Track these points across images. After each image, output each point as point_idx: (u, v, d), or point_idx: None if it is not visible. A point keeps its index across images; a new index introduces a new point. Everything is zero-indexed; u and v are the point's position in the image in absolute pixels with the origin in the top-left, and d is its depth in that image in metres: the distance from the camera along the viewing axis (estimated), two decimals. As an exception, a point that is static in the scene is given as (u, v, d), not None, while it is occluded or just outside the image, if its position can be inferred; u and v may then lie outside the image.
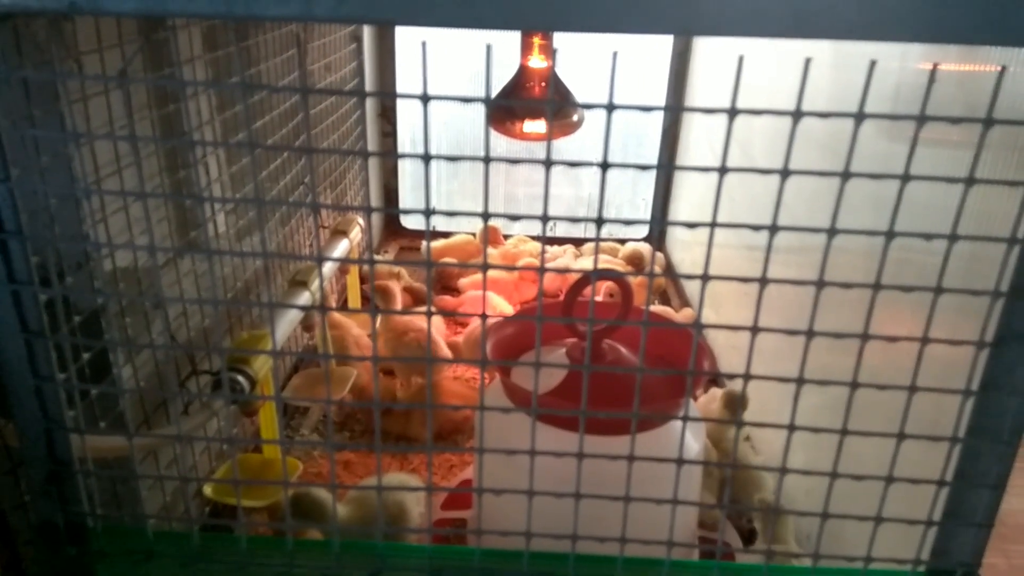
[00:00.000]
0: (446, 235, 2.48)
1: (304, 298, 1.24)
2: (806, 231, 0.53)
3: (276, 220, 1.43)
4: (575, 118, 1.72)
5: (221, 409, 0.91)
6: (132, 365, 0.88)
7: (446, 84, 2.48)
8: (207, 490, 1.07)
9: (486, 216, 0.57)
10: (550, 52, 1.66)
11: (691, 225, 0.55)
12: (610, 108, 0.53)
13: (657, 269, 2.37)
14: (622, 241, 2.53)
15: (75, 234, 0.74)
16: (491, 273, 2.27)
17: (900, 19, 0.47)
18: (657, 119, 2.47)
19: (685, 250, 2.37)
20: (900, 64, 1.00)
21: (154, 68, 0.94)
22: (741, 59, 0.50)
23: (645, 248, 2.42)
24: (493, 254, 2.34)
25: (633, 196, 2.63)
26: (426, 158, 0.55)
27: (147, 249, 0.58)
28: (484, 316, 0.59)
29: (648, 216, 2.63)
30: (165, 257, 0.95)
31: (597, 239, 0.57)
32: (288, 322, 1.18)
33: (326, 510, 0.92)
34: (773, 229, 0.54)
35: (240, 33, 1.17)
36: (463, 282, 2.21)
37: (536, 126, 1.75)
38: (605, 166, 0.55)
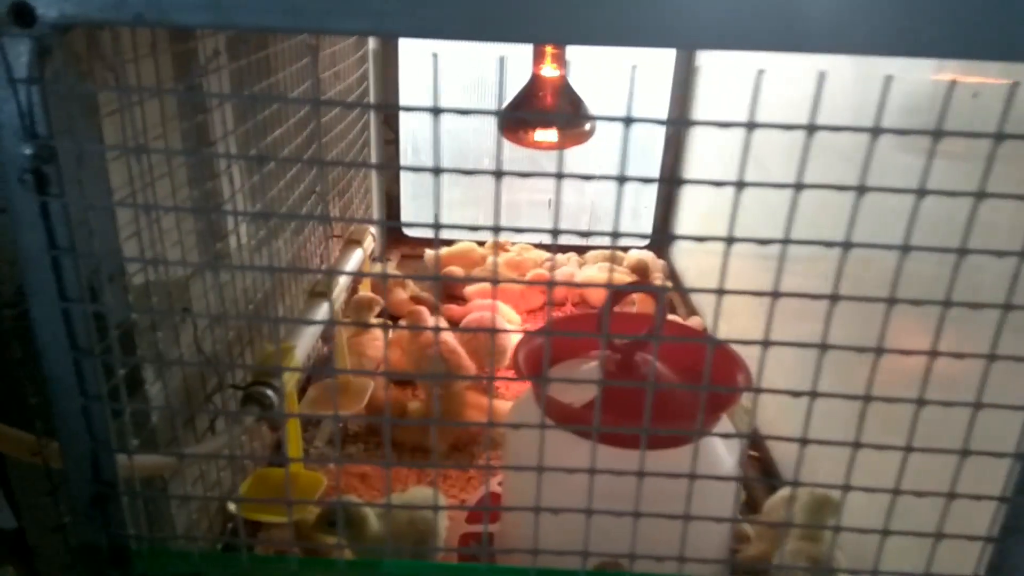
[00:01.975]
0: (449, 243, 2.46)
1: (324, 309, 1.23)
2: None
3: (291, 230, 1.42)
4: (587, 127, 1.72)
5: (252, 424, 0.90)
6: (162, 380, 0.86)
7: (449, 92, 2.47)
8: (231, 506, 1.05)
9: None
10: (562, 61, 1.66)
11: (720, 240, 0.55)
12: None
13: (659, 276, 2.37)
14: (624, 249, 2.53)
15: (114, 248, 0.72)
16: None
17: (917, 35, 0.47)
18: (661, 126, 2.47)
19: (689, 257, 2.37)
20: (919, 76, 1.01)
21: (177, 79, 0.93)
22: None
23: (649, 257, 2.42)
24: (498, 262, 2.33)
25: (636, 203, 2.63)
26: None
27: (194, 265, 0.57)
28: (549, 333, 0.59)
29: (650, 223, 2.63)
30: (192, 270, 0.94)
31: (643, 247, 0.57)
32: (311, 334, 1.17)
33: (363, 525, 0.90)
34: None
35: (260, 43, 1.16)
36: (469, 290, 2.20)
37: (547, 135, 1.75)
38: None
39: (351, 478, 1.33)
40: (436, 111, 0.53)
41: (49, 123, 0.52)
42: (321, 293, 1.23)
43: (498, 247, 2.41)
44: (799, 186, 0.53)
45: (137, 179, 0.81)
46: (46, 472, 0.65)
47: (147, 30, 0.82)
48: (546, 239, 2.60)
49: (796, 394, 0.59)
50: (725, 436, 0.89)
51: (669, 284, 2.33)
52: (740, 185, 0.54)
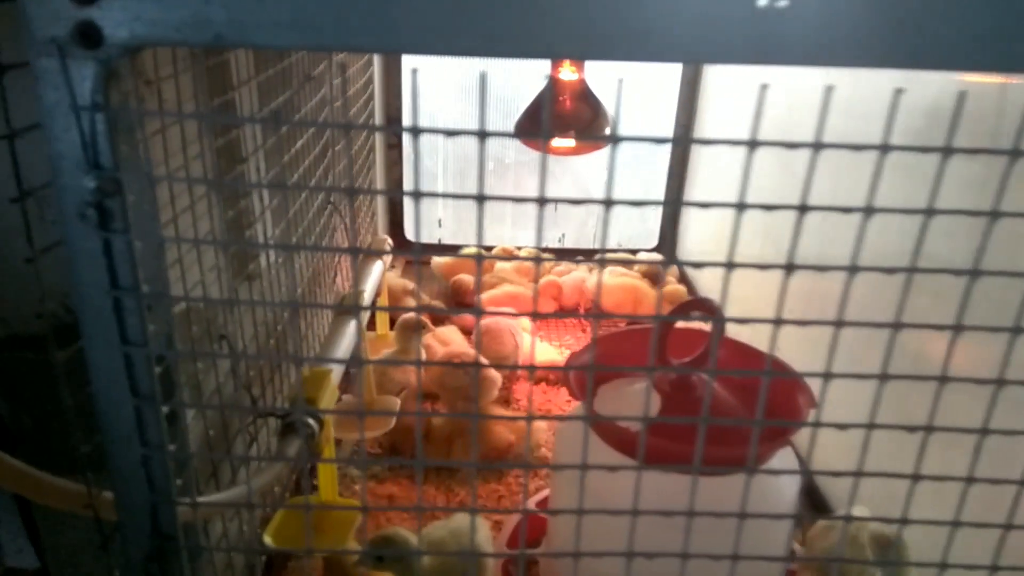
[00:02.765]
0: (454, 248, 2.42)
1: (352, 327, 1.19)
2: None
3: (311, 242, 1.37)
4: (607, 132, 1.68)
5: (298, 455, 0.85)
6: (203, 415, 0.81)
7: (447, 92, 2.43)
8: (267, 538, 1.00)
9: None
10: (581, 64, 1.62)
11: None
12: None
13: (671, 279, 2.34)
14: (633, 251, 2.51)
15: (160, 278, 0.68)
16: (509, 289, 2.20)
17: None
18: (669, 124, 2.43)
19: (700, 259, 2.34)
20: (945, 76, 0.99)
21: (212, 93, 0.88)
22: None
23: (660, 260, 2.39)
24: (507, 268, 2.29)
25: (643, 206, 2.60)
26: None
27: (248, 304, 0.52)
28: (653, 369, 0.55)
29: (658, 225, 2.60)
30: (229, 293, 0.89)
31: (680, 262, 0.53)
32: (342, 353, 1.12)
33: (411, 558, 0.85)
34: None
35: (284, 54, 1.11)
36: (481, 298, 2.16)
37: (564, 141, 1.71)
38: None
39: (380, 499, 1.29)
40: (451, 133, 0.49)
41: (114, 153, 0.47)
42: (349, 311, 1.19)
43: (507, 254, 2.38)
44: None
45: (175, 201, 0.76)
46: (96, 525, 0.61)
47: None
48: (553, 245, 2.57)
49: (912, 429, 0.56)
50: (787, 471, 0.86)
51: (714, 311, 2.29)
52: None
